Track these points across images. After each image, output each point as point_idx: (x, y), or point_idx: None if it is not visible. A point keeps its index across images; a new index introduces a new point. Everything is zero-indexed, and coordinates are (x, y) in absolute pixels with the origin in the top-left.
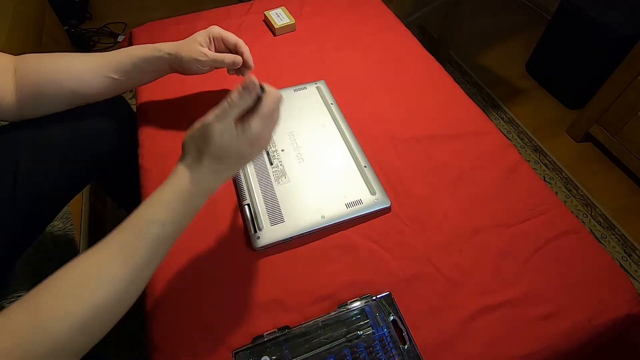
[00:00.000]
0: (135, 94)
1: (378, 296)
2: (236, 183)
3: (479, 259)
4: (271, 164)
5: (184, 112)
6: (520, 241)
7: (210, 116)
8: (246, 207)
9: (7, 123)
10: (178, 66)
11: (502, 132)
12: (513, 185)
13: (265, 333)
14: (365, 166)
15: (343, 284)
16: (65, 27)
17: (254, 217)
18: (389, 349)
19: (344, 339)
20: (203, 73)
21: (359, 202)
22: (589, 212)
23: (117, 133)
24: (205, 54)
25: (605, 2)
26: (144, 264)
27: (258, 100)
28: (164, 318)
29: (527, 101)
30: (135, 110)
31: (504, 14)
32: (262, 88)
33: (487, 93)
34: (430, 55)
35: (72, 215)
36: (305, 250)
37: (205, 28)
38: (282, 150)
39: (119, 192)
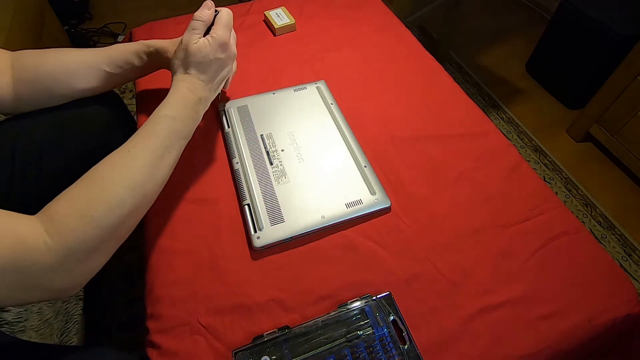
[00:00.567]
0: (135, 91)
1: (378, 296)
2: (236, 183)
3: (479, 259)
4: (271, 164)
5: None
6: (520, 241)
7: (184, 36)
8: (246, 207)
9: (4, 118)
10: (166, 65)
11: (502, 132)
12: (513, 185)
13: (265, 333)
14: (365, 166)
15: (343, 284)
16: (65, 27)
17: (254, 217)
18: (389, 349)
19: (344, 339)
20: None
21: (359, 202)
22: (589, 212)
23: (111, 127)
24: None
25: (605, 2)
26: (163, 151)
27: (215, 18)
28: (164, 318)
29: (527, 101)
30: (134, 107)
31: (504, 14)
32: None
33: (487, 93)
34: (430, 55)
35: None
36: (305, 250)
37: None
38: (282, 150)
39: None
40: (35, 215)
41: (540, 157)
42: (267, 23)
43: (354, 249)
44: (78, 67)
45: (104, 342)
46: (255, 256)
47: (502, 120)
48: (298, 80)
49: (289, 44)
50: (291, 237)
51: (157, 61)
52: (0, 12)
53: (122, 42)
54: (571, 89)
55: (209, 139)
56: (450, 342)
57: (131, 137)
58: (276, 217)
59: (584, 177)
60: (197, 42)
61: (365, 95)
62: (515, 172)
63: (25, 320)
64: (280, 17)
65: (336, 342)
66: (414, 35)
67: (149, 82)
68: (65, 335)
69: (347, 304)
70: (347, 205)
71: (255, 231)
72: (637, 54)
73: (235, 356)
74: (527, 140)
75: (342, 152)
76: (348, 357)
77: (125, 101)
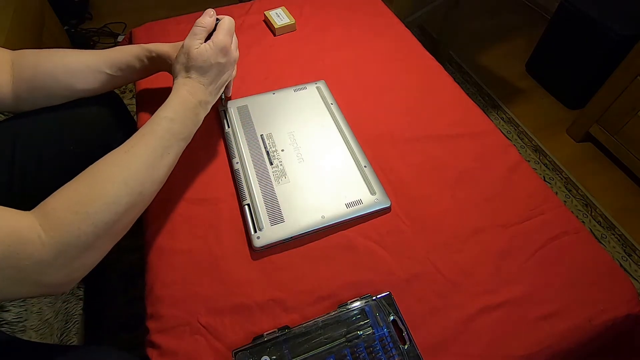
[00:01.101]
0: (135, 92)
1: (378, 296)
2: (236, 183)
3: (479, 259)
4: (271, 164)
5: None
6: (520, 241)
7: (186, 41)
8: (246, 207)
9: (4, 117)
10: (167, 69)
11: (502, 132)
12: (513, 185)
13: (265, 333)
14: (365, 166)
15: (343, 284)
16: (65, 27)
17: (254, 217)
18: (389, 349)
19: (344, 339)
20: None
21: (359, 202)
22: (589, 212)
23: (111, 126)
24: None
25: (605, 2)
26: (162, 152)
27: (217, 25)
28: (164, 318)
29: (527, 101)
30: (134, 107)
31: (504, 14)
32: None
33: (487, 93)
34: (430, 55)
35: None
36: (305, 250)
37: None
38: (282, 150)
39: None
40: (31, 211)
41: (540, 157)
42: (267, 23)
43: (354, 249)
44: (78, 68)
45: (104, 342)
46: (255, 256)
47: (502, 120)
48: (298, 80)
49: (289, 44)
50: (291, 237)
51: (158, 65)
52: (0, 12)
53: (122, 42)
54: (571, 89)
55: (209, 139)
56: (450, 342)
57: (131, 137)
58: (276, 217)
59: (584, 177)
60: (198, 47)
61: (365, 95)
62: (515, 172)
63: (25, 320)
64: (280, 17)
65: (336, 342)
66: (414, 35)
67: (149, 83)
68: (65, 335)
69: (347, 304)
70: (347, 205)
71: (255, 231)
72: (637, 54)
73: (235, 356)
74: (527, 140)
75: (342, 152)
76: (348, 357)
77: (125, 101)
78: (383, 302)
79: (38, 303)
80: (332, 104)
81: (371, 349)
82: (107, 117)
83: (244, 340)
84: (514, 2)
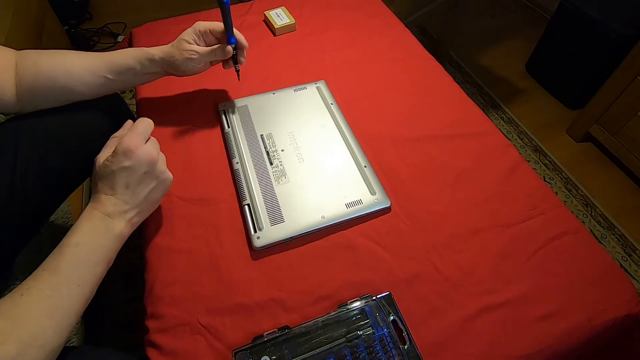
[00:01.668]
0: (135, 92)
1: (378, 296)
2: (236, 183)
3: (479, 259)
4: (271, 164)
5: (183, 110)
6: (520, 241)
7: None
8: (246, 207)
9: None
10: (172, 69)
11: (502, 132)
12: (513, 185)
13: (265, 333)
14: (365, 166)
15: (343, 284)
16: (65, 27)
17: (254, 217)
18: (389, 349)
19: (344, 339)
20: (199, 72)
21: (359, 202)
22: (589, 212)
23: (113, 126)
24: (195, 51)
25: (605, 2)
26: (67, 289)
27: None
28: (164, 318)
29: (527, 101)
30: (135, 107)
31: (504, 14)
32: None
33: (487, 93)
34: (430, 55)
35: (72, 215)
36: (305, 250)
37: None
38: (282, 150)
39: None
40: None
41: (540, 157)
42: (267, 23)
43: (354, 249)
44: (78, 72)
45: (104, 342)
46: (255, 256)
47: (502, 120)
48: (298, 80)
49: (289, 44)
50: (291, 237)
51: (160, 69)
52: (0, 12)
53: (122, 42)
54: (571, 89)
55: (209, 139)
56: (450, 342)
57: (34, 272)
58: (276, 217)
59: (584, 177)
60: (101, 160)
61: (365, 95)
62: (515, 172)
63: None
64: (280, 17)
65: (336, 342)
66: (414, 35)
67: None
68: None
69: (347, 304)
70: (347, 205)
71: (255, 231)
72: (637, 54)
73: (235, 356)
74: (527, 140)
75: (342, 152)
76: (348, 357)
77: (127, 101)
78: (383, 302)
79: None
80: (332, 104)
81: (371, 349)
82: (110, 118)
83: (244, 340)
84: (514, 2)
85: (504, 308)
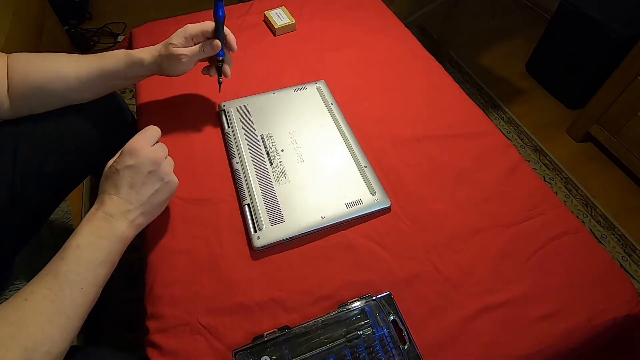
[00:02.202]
0: (135, 93)
1: (378, 296)
2: (236, 183)
3: (479, 259)
4: (271, 164)
5: (183, 110)
6: (520, 241)
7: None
8: (246, 207)
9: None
10: (161, 72)
11: (502, 132)
12: (513, 185)
13: (265, 333)
14: (365, 166)
15: (343, 284)
16: (65, 27)
17: (254, 217)
18: (389, 349)
19: (344, 339)
20: (188, 71)
21: (359, 202)
22: (589, 212)
23: (113, 127)
24: (185, 55)
25: (605, 2)
26: (69, 293)
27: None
28: (164, 318)
29: (527, 101)
30: (135, 108)
31: (504, 14)
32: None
33: (487, 93)
34: (430, 55)
35: (72, 215)
36: (305, 250)
37: None
38: (282, 150)
39: None
40: None
41: (540, 157)
42: (267, 23)
43: (354, 249)
44: (68, 77)
45: (104, 342)
46: (255, 256)
47: (502, 120)
48: (298, 80)
49: (289, 44)
50: (291, 237)
51: (150, 72)
52: (0, 12)
53: (122, 42)
54: (571, 89)
55: (209, 139)
56: (450, 342)
57: (36, 276)
58: (276, 217)
59: (584, 177)
60: (109, 162)
61: (365, 95)
62: (515, 172)
63: None
64: (280, 17)
65: (336, 342)
66: (414, 35)
67: (149, 82)
68: None
69: (347, 304)
70: (347, 205)
71: (255, 231)
72: (637, 54)
73: (235, 356)
74: (527, 140)
75: (342, 152)
76: (348, 357)
77: (126, 101)
78: (383, 302)
79: None
80: (332, 104)
81: (371, 349)
82: (109, 118)
83: (244, 340)
84: (514, 2)
85: (504, 308)
